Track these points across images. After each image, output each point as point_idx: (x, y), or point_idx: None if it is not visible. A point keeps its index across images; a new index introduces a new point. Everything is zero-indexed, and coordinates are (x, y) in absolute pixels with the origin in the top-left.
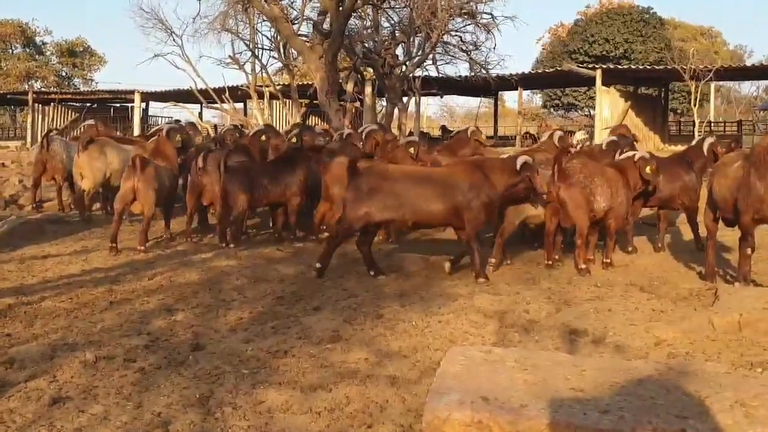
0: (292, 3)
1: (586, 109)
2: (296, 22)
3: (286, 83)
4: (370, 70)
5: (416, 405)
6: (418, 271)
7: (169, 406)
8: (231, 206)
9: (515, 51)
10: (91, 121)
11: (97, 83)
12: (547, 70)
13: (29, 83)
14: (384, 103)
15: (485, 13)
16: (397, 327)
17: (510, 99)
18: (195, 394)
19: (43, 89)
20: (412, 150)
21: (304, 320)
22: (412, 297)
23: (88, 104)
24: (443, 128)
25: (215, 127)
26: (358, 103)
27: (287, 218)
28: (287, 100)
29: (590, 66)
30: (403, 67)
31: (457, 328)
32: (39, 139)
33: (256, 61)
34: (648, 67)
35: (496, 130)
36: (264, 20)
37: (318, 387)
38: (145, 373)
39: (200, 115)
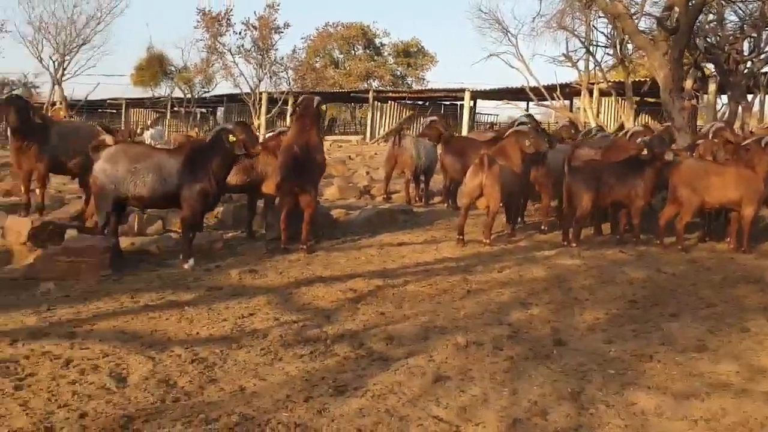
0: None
1: None
2: (635, 18)
3: (617, 80)
4: (710, 66)
5: None
6: None
7: (543, 396)
8: (575, 205)
9: None
10: (433, 117)
11: (428, 82)
12: None
13: (368, 82)
14: (725, 101)
15: None
16: (767, 342)
17: None
18: (566, 387)
19: (380, 88)
20: None
21: (664, 326)
22: None
23: (420, 102)
24: None
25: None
26: (694, 101)
27: (630, 220)
28: (618, 98)
29: None
30: (749, 63)
31: None
32: (377, 134)
33: (590, 59)
34: None
35: None
36: (600, 17)
37: (690, 395)
38: (513, 361)
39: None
